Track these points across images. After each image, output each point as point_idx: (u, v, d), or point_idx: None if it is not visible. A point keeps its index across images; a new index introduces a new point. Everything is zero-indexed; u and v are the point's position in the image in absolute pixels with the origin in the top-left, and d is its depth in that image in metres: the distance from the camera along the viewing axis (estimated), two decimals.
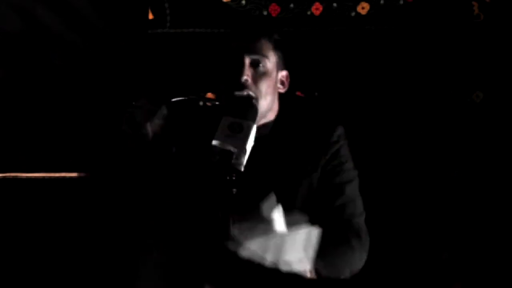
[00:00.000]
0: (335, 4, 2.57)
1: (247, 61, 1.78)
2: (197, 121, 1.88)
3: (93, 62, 2.55)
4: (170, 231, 1.80)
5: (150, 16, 2.59)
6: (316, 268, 1.58)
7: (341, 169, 1.83)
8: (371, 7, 2.56)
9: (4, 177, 2.50)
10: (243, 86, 1.75)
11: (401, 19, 2.55)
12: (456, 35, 2.53)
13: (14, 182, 2.50)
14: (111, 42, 2.55)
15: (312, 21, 2.58)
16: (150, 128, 1.61)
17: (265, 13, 2.58)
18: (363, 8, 2.56)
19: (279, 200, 1.75)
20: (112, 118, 2.42)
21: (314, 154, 1.82)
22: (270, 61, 1.82)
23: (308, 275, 1.52)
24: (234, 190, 1.42)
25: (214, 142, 1.42)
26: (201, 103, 2.37)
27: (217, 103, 1.78)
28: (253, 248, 1.38)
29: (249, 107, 1.62)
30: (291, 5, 2.58)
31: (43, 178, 2.50)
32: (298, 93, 2.55)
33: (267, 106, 1.80)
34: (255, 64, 1.79)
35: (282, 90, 1.90)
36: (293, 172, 1.79)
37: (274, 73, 1.83)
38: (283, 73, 1.90)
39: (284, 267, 1.40)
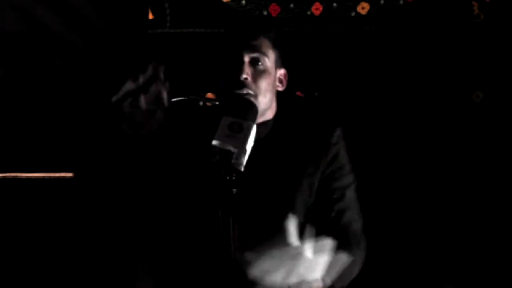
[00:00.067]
0: (335, 4, 2.57)
1: (246, 59, 1.78)
2: (197, 121, 1.88)
3: (93, 62, 2.55)
4: (170, 231, 1.81)
5: (150, 16, 2.59)
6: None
7: (341, 174, 1.83)
8: (371, 7, 2.56)
9: (4, 177, 2.50)
10: (243, 84, 1.74)
11: (401, 19, 2.55)
12: (456, 35, 2.53)
13: (14, 182, 2.50)
14: (111, 42, 2.55)
15: (312, 21, 2.58)
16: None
17: (265, 13, 2.58)
18: (363, 8, 2.56)
19: (279, 200, 1.76)
20: (112, 118, 2.41)
21: (314, 155, 1.82)
22: (269, 59, 1.81)
23: None
24: (234, 190, 1.42)
25: (214, 142, 1.42)
26: (201, 103, 2.37)
27: (217, 103, 1.77)
28: (265, 266, 1.38)
29: (249, 107, 1.62)
30: (291, 5, 2.58)
31: (43, 178, 2.50)
32: (298, 93, 2.55)
33: (266, 104, 1.80)
34: (254, 62, 1.78)
35: (280, 89, 1.89)
36: (293, 172, 1.79)
37: (273, 71, 1.83)
38: (282, 71, 1.90)
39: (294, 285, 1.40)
